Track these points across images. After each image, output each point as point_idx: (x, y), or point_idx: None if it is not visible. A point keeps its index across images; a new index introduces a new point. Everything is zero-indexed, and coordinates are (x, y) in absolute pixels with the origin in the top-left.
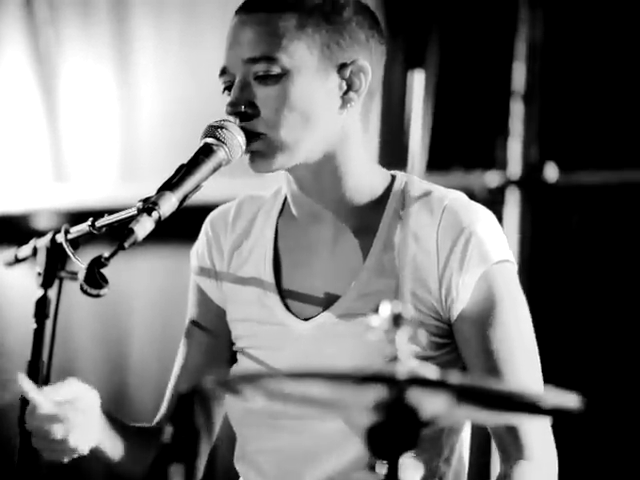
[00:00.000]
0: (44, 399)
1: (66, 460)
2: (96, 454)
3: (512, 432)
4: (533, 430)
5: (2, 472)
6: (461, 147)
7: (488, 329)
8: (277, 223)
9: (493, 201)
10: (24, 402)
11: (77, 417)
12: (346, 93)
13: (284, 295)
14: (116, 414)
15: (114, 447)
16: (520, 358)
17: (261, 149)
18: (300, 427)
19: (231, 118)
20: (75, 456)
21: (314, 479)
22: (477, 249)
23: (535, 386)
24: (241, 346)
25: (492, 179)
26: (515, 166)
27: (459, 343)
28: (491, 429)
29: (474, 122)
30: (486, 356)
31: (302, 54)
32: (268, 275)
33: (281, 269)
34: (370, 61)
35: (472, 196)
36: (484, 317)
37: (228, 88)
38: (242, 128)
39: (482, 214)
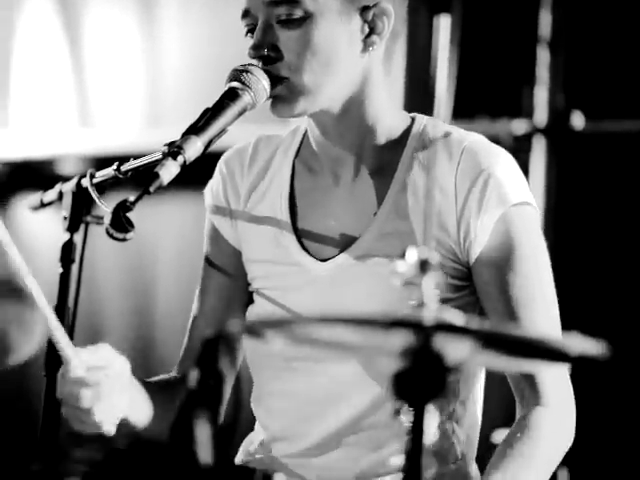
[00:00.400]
0: (77, 361)
1: (92, 432)
2: (124, 424)
3: (530, 378)
4: (551, 377)
5: (26, 432)
6: (487, 95)
7: (506, 272)
8: (294, 162)
9: (519, 149)
10: (51, 345)
11: (106, 385)
12: (368, 36)
13: (300, 235)
14: (141, 366)
15: (141, 415)
16: (538, 303)
17: (283, 94)
18: (316, 370)
19: (255, 61)
20: (100, 431)
21: (329, 423)
22: (496, 190)
23: (552, 332)
24: (257, 287)
25: (518, 127)
26: (541, 114)
27: (477, 286)
28: (509, 375)
29: (500, 70)
30: (504, 300)
31: None
32: (284, 214)
33: (297, 209)
34: (392, 4)
35: (498, 144)
36: (502, 260)
37: (251, 31)
38: (266, 71)
39: (501, 156)
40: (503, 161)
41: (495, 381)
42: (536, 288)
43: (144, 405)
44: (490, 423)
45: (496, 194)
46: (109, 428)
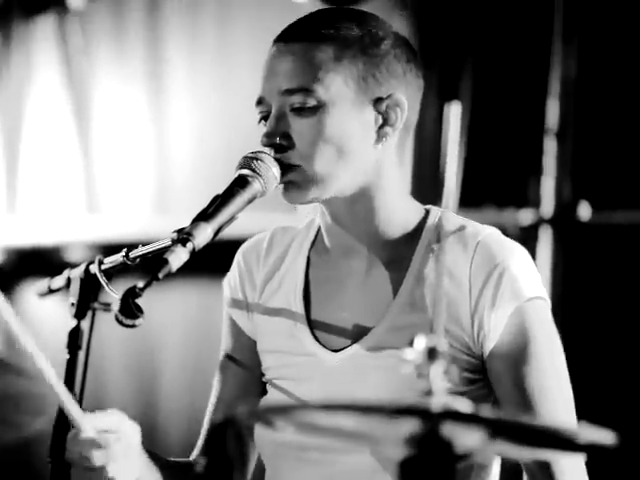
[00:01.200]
0: (87, 424)
1: None
2: None
3: (545, 469)
4: (567, 467)
5: None
6: (494, 184)
7: (521, 366)
8: (309, 255)
9: (526, 239)
10: (57, 430)
11: (118, 447)
12: (382, 127)
13: (314, 326)
14: (149, 447)
15: None
16: (554, 395)
17: (295, 180)
18: (327, 460)
19: (266, 149)
20: None
21: None
22: (510, 285)
23: (569, 423)
24: (270, 377)
25: (525, 217)
26: (548, 204)
27: (492, 379)
28: (524, 466)
29: (507, 159)
30: (519, 393)
31: (339, 87)
32: (298, 306)
33: (311, 301)
34: (406, 95)
35: (505, 234)
36: (517, 353)
37: (264, 118)
38: (277, 160)
39: (516, 250)
40: (517, 255)
41: (510, 473)
42: (552, 380)
43: (154, 474)
44: None
45: (510, 288)
46: None
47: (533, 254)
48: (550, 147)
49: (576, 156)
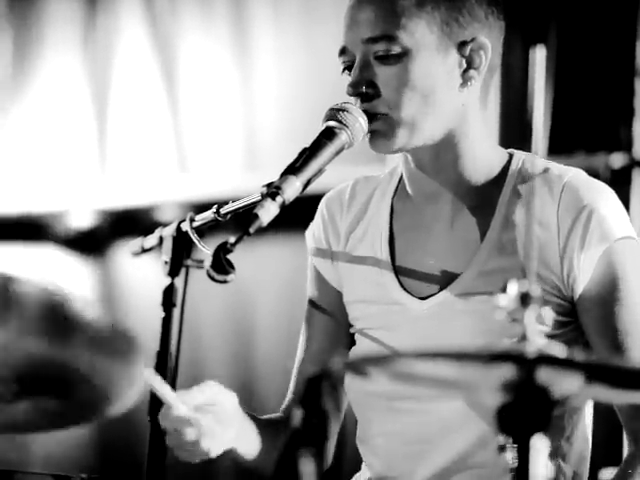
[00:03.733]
0: (179, 401)
1: (197, 461)
2: (231, 456)
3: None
4: None
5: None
6: (583, 129)
7: (613, 307)
8: (392, 203)
9: (618, 182)
10: (153, 410)
11: (211, 422)
12: (466, 71)
13: (400, 274)
14: (246, 406)
15: (249, 447)
16: None
17: (382, 129)
18: (420, 409)
19: (352, 100)
20: (206, 458)
21: (435, 462)
22: (598, 226)
23: None
24: (359, 327)
25: (616, 160)
26: None
27: (583, 321)
28: (619, 410)
29: (596, 103)
30: (611, 334)
31: (422, 32)
32: (384, 255)
33: (396, 248)
34: (489, 38)
35: (596, 178)
36: (608, 295)
37: (348, 68)
38: (363, 110)
39: (603, 191)
40: (605, 196)
41: (604, 417)
42: None
43: (251, 438)
44: (599, 460)
45: (599, 229)
46: (214, 456)
47: (626, 197)
48: (639, 89)
49: None
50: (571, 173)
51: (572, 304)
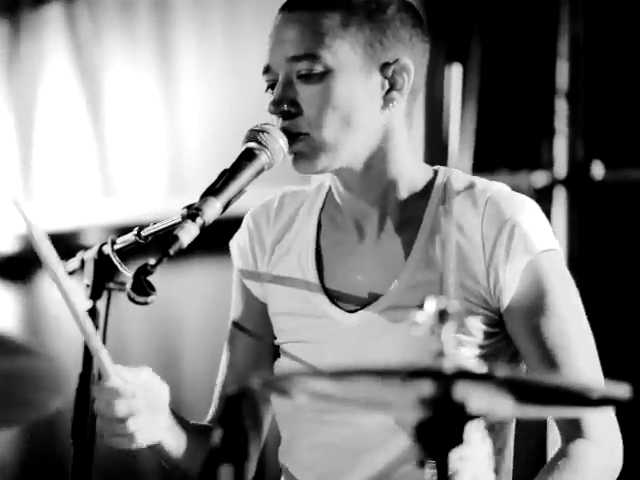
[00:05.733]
0: (116, 374)
1: (125, 447)
2: (157, 450)
3: (574, 423)
4: (595, 419)
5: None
6: (506, 147)
7: (539, 318)
8: (319, 217)
9: (540, 201)
10: (78, 411)
11: (142, 402)
12: (388, 92)
13: (327, 289)
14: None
15: (177, 444)
16: (576, 344)
17: (304, 150)
18: (349, 421)
19: (274, 120)
20: (134, 446)
21: (363, 474)
22: (522, 239)
23: (594, 372)
24: (283, 340)
25: (539, 179)
26: (561, 165)
27: (511, 332)
28: (554, 421)
29: (518, 122)
30: (539, 344)
31: (345, 52)
32: (311, 268)
33: (324, 264)
34: (413, 60)
35: None
36: (534, 306)
37: (271, 87)
38: (284, 129)
39: (526, 204)
40: (527, 209)
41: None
42: (573, 330)
43: (179, 435)
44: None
45: (522, 242)
46: (141, 443)
47: (548, 215)
48: (561, 108)
49: (587, 116)
50: (495, 188)
51: (499, 315)
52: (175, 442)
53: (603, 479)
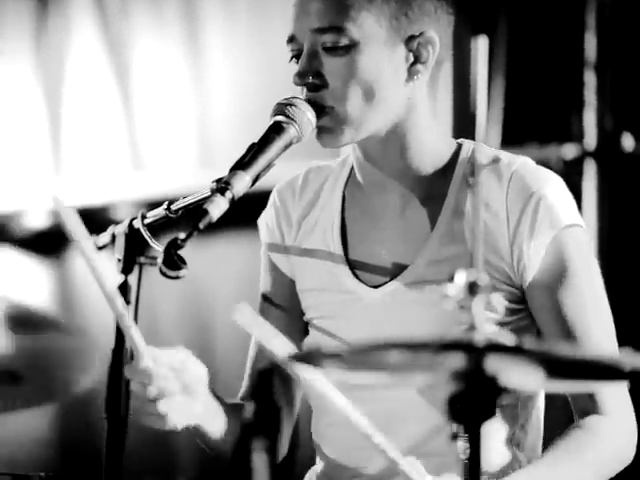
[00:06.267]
0: (149, 355)
1: (157, 427)
2: (195, 432)
3: (590, 398)
4: (610, 395)
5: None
6: (536, 120)
7: (561, 293)
8: (344, 192)
9: (570, 173)
10: (111, 386)
11: (176, 385)
12: (413, 65)
13: (352, 264)
14: None
15: (215, 427)
16: (595, 321)
17: (329, 125)
18: (375, 397)
19: (299, 90)
20: (167, 427)
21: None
22: (547, 213)
23: (610, 349)
24: (311, 316)
25: (568, 151)
26: (591, 137)
27: (533, 308)
28: (569, 396)
29: (547, 95)
30: (560, 320)
31: (371, 25)
32: (336, 244)
33: (348, 238)
34: (438, 32)
35: (549, 169)
36: (556, 281)
37: (296, 57)
38: (309, 100)
39: (551, 179)
40: (553, 183)
41: (557, 404)
42: (591, 307)
43: (218, 417)
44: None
45: (548, 217)
46: (176, 424)
47: (578, 188)
48: (590, 80)
49: (616, 87)
50: (519, 162)
51: (522, 292)
52: (214, 425)
53: (617, 454)
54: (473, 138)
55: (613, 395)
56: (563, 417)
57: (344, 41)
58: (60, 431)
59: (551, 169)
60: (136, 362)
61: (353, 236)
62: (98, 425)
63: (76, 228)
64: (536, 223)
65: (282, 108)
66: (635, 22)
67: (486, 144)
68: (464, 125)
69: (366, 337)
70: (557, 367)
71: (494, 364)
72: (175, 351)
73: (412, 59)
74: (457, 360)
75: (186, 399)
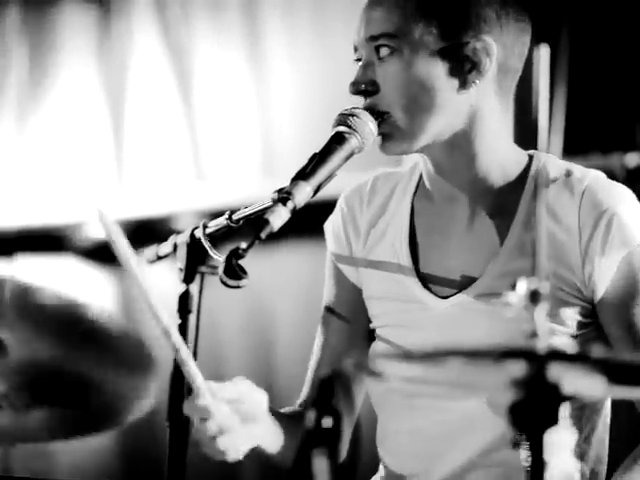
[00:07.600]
0: (207, 391)
1: (220, 459)
2: (255, 450)
3: None
4: None
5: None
6: (598, 129)
7: (633, 311)
8: (413, 201)
9: (634, 182)
10: (174, 395)
11: (235, 419)
12: (470, 72)
13: (421, 274)
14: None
15: (273, 444)
16: None
17: (387, 131)
18: (439, 406)
19: (360, 105)
20: (228, 460)
21: (456, 459)
22: (619, 231)
23: None
24: (378, 324)
25: (631, 160)
26: None
27: (603, 323)
28: (638, 403)
29: (609, 104)
30: (632, 336)
31: (422, 32)
32: (405, 253)
33: (418, 248)
34: (499, 39)
35: (612, 178)
36: (628, 299)
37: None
38: (367, 108)
39: (624, 195)
40: (625, 200)
41: (621, 418)
42: None
43: (276, 434)
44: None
45: (620, 235)
46: (235, 457)
47: None
48: None
49: None
50: (591, 176)
51: (593, 306)
52: (273, 443)
53: None
54: (535, 148)
55: None
56: (627, 428)
57: (396, 47)
58: (123, 439)
59: (614, 178)
60: (195, 398)
61: (422, 246)
62: (160, 433)
63: (123, 245)
64: (608, 240)
65: (344, 118)
66: None
67: (543, 147)
68: (525, 135)
69: (432, 346)
70: (620, 374)
71: (556, 372)
72: (233, 384)
73: (468, 66)
74: (519, 368)
75: (244, 430)
